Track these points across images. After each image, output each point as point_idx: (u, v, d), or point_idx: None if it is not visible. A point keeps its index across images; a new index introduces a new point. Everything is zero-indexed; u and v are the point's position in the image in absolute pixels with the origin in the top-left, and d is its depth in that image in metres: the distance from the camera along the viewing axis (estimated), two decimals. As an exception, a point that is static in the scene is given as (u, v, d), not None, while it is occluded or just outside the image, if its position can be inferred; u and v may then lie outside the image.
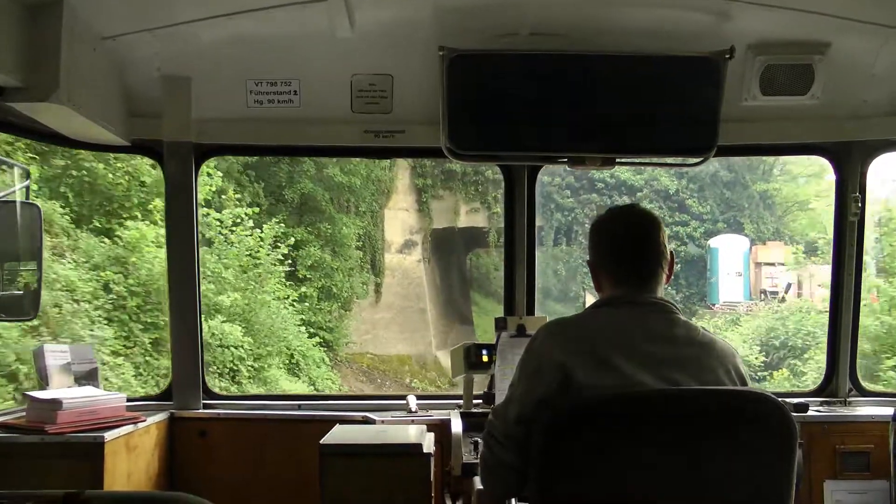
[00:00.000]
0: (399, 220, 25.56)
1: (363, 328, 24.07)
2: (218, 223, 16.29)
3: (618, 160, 4.41)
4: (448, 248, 28.52)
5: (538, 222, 4.86)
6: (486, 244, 26.98)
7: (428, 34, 4.01)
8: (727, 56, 3.97)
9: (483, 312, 29.80)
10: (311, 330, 19.77)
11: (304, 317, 19.53)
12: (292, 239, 18.80)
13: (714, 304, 28.71)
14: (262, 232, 17.65)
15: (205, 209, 15.32)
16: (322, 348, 19.89)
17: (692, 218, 29.73)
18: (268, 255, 17.66)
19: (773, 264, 28.51)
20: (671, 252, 2.83)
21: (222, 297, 15.75)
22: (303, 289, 20.17)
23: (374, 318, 24.67)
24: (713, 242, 29.42)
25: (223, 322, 15.39)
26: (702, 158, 4.31)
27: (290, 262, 18.89)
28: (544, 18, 4.02)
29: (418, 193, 25.18)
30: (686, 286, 29.49)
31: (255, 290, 17.09)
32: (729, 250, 28.85)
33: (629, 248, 2.79)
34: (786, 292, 26.85)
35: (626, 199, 28.01)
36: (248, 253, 17.04)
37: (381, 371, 23.21)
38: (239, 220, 16.81)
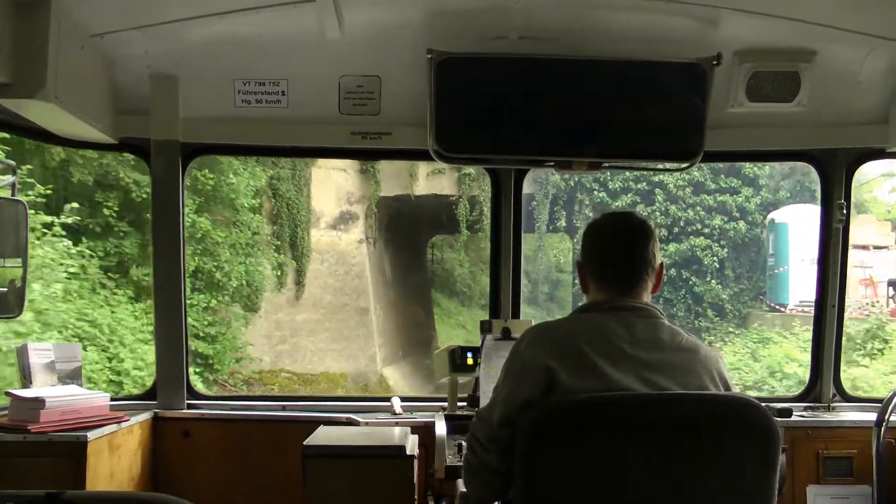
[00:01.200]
0: (332, 184, 19.19)
1: (277, 335, 17.92)
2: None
3: (604, 164, 4.43)
4: (402, 225, 22.18)
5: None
6: (454, 223, 20.64)
7: (416, 37, 4.01)
8: (714, 62, 3.99)
9: (446, 315, 25.97)
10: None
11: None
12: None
13: (783, 306, 21.14)
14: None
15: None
16: (195, 367, 13.66)
17: (744, 184, 22.79)
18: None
19: (865, 247, 20.00)
20: (661, 263, 2.86)
21: None
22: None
23: (294, 320, 18.32)
24: (778, 216, 21.70)
25: None
26: (688, 164, 4.33)
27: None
28: (533, 22, 4.02)
29: (360, 149, 18.36)
30: (734, 279, 23.22)
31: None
32: (803, 228, 19.08)
33: (618, 253, 2.82)
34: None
35: (652, 156, 25.46)
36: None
37: (301, 397, 16.98)
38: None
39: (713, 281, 23.16)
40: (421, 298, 24.67)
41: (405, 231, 22.81)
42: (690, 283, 23.08)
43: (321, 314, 18.92)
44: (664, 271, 2.92)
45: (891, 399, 4.08)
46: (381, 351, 20.19)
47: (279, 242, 17.72)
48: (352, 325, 19.50)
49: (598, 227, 2.95)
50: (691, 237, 23.12)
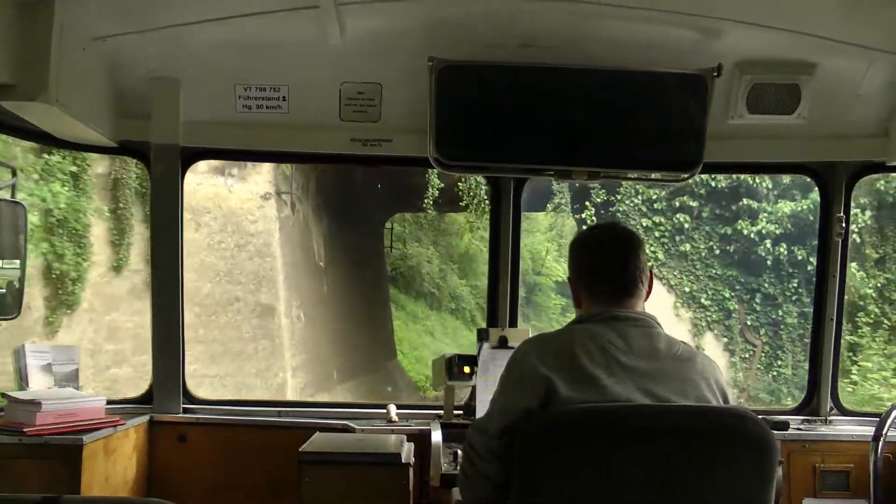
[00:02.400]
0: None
1: (109, 350, 10.96)
2: None
3: (603, 174, 4.43)
4: (343, 181, 15.41)
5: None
6: (420, 186, 15.19)
7: (417, 44, 4.01)
8: (715, 74, 3.99)
9: (411, 320, 22.21)
10: None
11: None
12: None
13: None
14: None
15: None
16: None
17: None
18: None
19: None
20: (650, 271, 2.87)
21: None
22: None
23: (142, 324, 10.32)
24: None
25: None
26: (687, 175, 4.33)
27: None
28: (534, 31, 4.03)
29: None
30: (878, 262, 15.05)
31: None
32: None
33: (610, 266, 2.83)
34: None
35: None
36: None
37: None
38: None
39: (852, 265, 14.61)
40: (374, 296, 17.67)
41: (348, 191, 15.64)
42: (810, 267, 15.39)
43: (193, 315, 11.46)
44: (653, 277, 2.92)
45: (889, 413, 4.08)
46: (297, 375, 13.33)
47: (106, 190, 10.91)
48: (246, 334, 12.40)
49: (585, 240, 2.97)
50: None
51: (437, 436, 3.91)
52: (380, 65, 4.23)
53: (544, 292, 29.49)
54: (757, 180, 17.28)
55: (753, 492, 2.50)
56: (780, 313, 17.34)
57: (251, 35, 4.00)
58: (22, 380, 4.12)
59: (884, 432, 4.08)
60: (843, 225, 4.61)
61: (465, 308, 27.46)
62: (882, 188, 15.89)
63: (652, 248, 17.30)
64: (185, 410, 4.54)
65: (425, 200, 15.67)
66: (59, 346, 4.51)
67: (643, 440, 2.45)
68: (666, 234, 17.71)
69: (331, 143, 4.46)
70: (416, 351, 20.67)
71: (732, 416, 2.56)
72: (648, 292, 2.86)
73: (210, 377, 11.73)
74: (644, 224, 17.62)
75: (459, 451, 3.09)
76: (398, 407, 4.57)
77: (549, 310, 29.08)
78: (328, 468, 3.61)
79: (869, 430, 4.21)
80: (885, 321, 15.15)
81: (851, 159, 4.57)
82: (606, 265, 2.83)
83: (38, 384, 4.12)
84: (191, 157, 4.54)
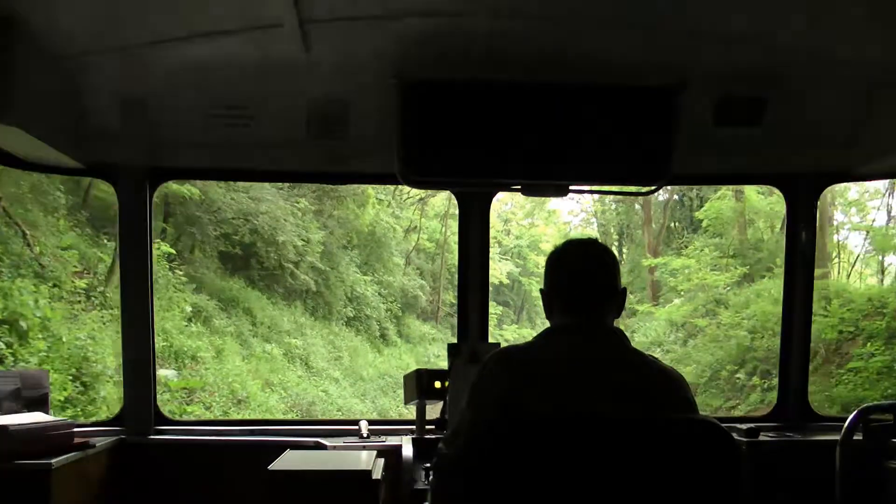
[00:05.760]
0: None
1: None
2: None
3: (572, 188, 4.45)
4: None
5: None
6: None
7: (383, 61, 4.03)
8: (681, 87, 4.03)
9: (275, 338, 15.49)
10: None
11: None
12: None
13: None
14: None
15: None
16: None
17: None
18: None
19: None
20: (623, 289, 2.89)
21: None
22: None
23: None
24: None
25: None
26: (655, 187, 4.36)
27: None
28: (500, 47, 4.05)
29: None
30: None
31: None
32: None
33: (583, 280, 2.84)
34: None
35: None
36: None
37: None
38: None
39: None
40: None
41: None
42: None
43: None
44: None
45: (854, 419, 4.12)
46: None
47: None
48: None
49: (562, 255, 2.96)
50: None
51: (408, 451, 3.90)
52: (346, 82, 4.23)
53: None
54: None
55: (719, 501, 2.51)
56: None
57: (218, 53, 3.99)
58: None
59: (850, 437, 4.12)
60: (810, 234, 4.66)
61: (370, 317, 20.39)
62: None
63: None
64: (157, 432, 4.52)
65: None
66: (28, 371, 4.45)
67: (606, 452, 2.46)
68: None
69: (298, 161, 4.46)
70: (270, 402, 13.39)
71: (696, 426, 2.57)
72: (620, 310, 2.88)
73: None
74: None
75: (430, 467, 3.08)
76: (370, 423, 4.57)
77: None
78: (297, 486, 3.59)
79: (837, 436, 4.24)
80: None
81: (817, 169, 4.63)
82: (579, 282, 2.84)
83: (7, 410, 4.08)
84: (159, 177, 4.53)
